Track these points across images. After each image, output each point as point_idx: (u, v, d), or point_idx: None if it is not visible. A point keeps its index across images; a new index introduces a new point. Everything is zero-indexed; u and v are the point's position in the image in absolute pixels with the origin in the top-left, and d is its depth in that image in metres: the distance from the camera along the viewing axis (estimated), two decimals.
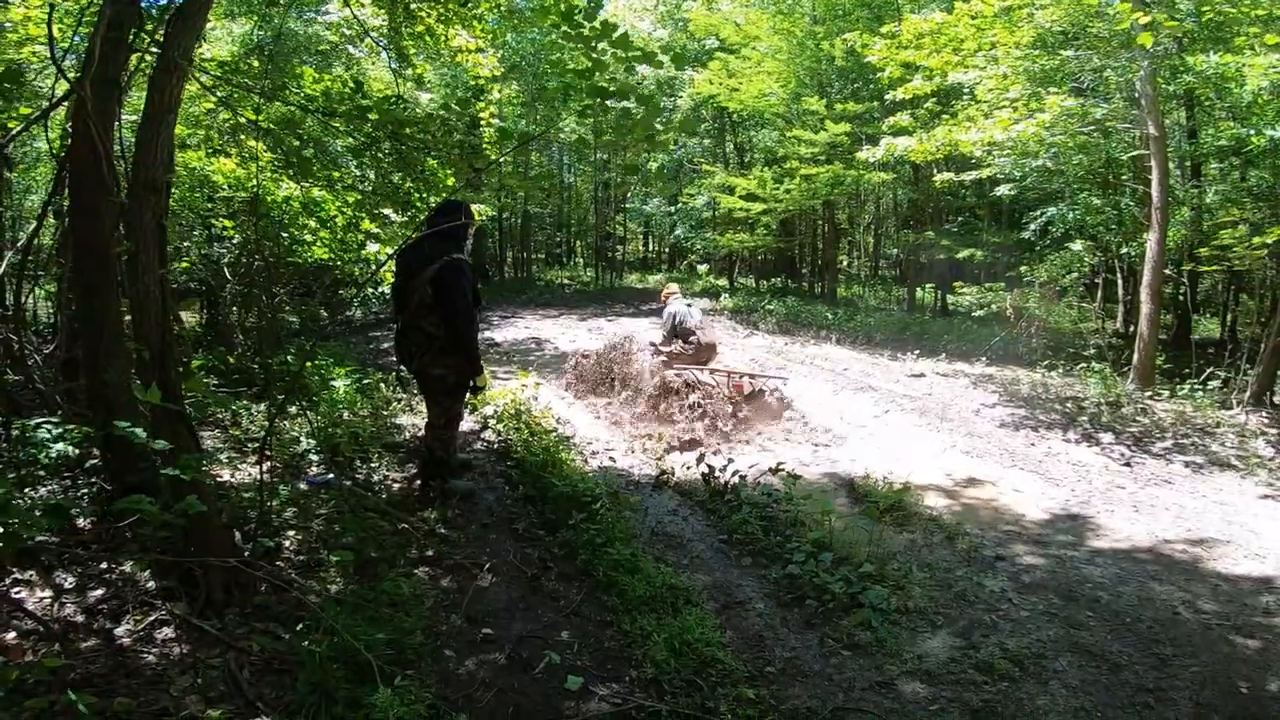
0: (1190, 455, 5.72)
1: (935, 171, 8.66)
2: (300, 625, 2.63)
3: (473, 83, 6.69)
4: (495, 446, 5.30)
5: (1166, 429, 6.30)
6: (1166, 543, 3.97)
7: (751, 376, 6.78)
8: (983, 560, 3.67)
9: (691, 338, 6.81)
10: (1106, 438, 6.19)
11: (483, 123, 5.46)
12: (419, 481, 4.12)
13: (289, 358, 5.68)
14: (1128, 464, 5.57)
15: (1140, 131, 7.37)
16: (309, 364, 5.66)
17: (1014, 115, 6.45)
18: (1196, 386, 7.12)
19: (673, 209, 16.19)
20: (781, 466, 4.38)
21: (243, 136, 5.57)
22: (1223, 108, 7.38)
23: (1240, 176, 8.50)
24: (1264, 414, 6.56)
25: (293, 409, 5.16)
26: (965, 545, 3.81)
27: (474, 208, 5.66)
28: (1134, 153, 8.16)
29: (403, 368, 4.02)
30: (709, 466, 4.46)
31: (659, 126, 3.12)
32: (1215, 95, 6.44)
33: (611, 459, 5.01)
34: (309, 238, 6.03)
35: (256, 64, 4.83)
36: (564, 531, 3.69)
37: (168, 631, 2.49)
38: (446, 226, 3.64)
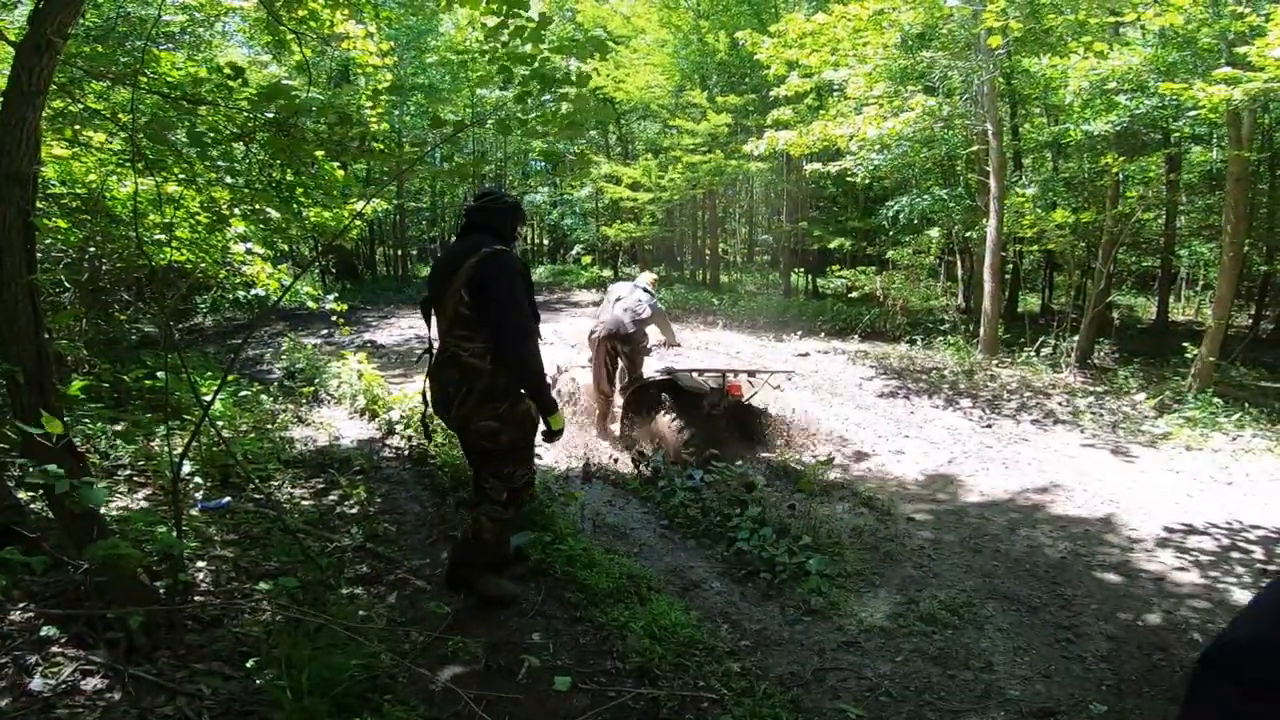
0: (1033, 414, 6.59)
1: (806, 162, 9.26)
2: (250, 661, 2.39)
3: (361, 73, 6.20)
4: (406, 453, 5.04)
5: (1012, 392, 7.22)
6: (1038, 492, 4.57)
7: (747, 373, 5.88)
8: (897, 522, 4.04)
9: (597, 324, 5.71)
10: (965, 402, 6.97)
11: (370, 117, 5.09)
12: (448, 564, 3.09)
13: (158, 373, 5.04)
14: (989, 425, 6.31)
15: (979, 127, 8.32)
16: (177, 378, 5.08)
17: (881, 111, 7.05)
18: (1031, 355, 8.20)
19: (555, 201, 16.04)
20: (711, 451, 4.53)
21: (78, 126, 4.84)
22: (1041, 106, 8.49)
23: (1054, 169, 9.85)
24: (1086, 375, 7.68)
25: (160, 429, 4.65)
26: (879, 509, 4.18)
27: (374, 203, 5.28)
28: (972, 147, 9.18)
29: (430, 414, 3.00)
30: (639, 453, 4.52)
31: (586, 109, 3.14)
32: (1044, 93, 7.40)
33: (538, 456, 4.93)
34: (161, 236, 5.36)
35: (102, 49, 4.19)
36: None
37: (95, 681, 2.18)
38: (484, 220, 2.81)
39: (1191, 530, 3.95)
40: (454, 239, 3.03)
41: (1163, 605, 3.12)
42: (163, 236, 5.44)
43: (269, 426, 5.43)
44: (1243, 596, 3.18)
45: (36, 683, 2.16)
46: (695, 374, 5.21)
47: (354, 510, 4.02)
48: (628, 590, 3.06)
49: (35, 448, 2.44)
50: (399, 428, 5.33)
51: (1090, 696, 2.46)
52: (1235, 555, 3.63)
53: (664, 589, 3.15)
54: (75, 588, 2.59)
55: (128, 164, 4.99)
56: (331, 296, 6.30)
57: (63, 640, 2.39)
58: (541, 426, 2.81)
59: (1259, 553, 3.66)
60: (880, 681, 2.49)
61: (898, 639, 2.78)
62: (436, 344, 2.78)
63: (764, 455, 5.27)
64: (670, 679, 2.45)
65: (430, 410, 2.97)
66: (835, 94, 8.44)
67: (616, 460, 4.80)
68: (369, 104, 5.19)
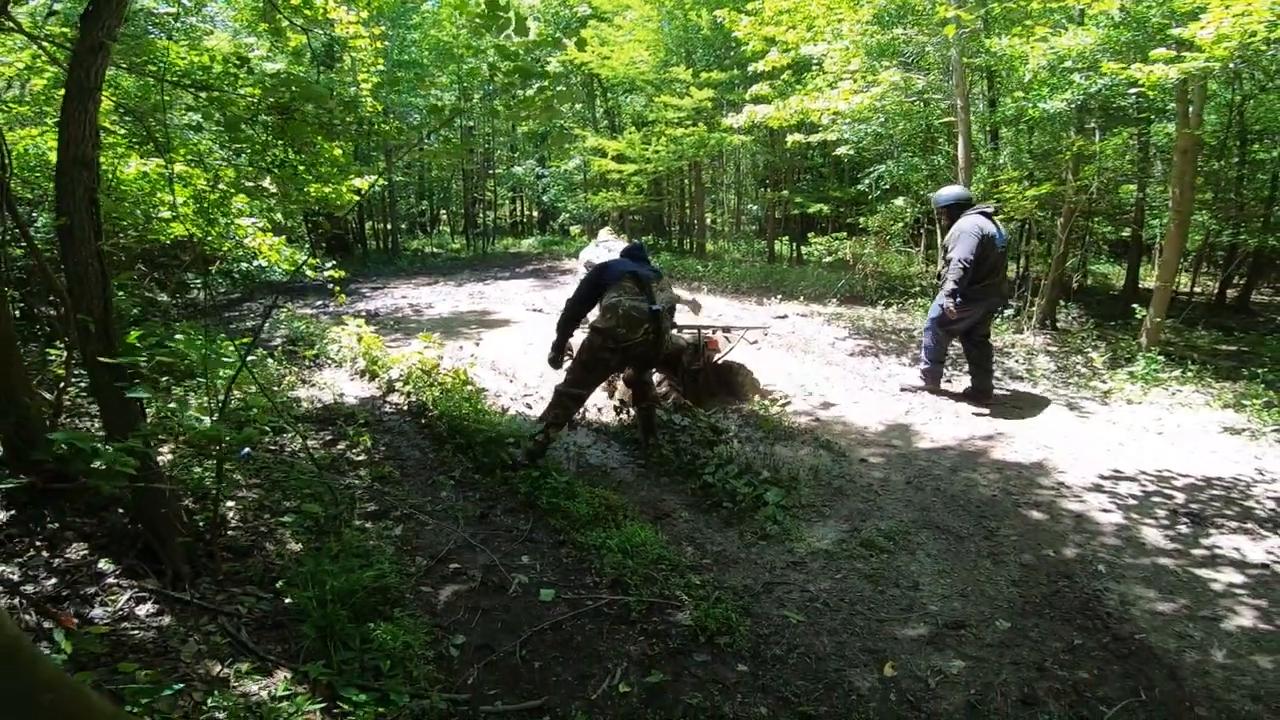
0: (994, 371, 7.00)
1: (788, 134, 9.54)
2: (280, 582, 2.81)
3: (352, 52, 6.45)
4: (406, 408, 5.43)
5: None
6: (984, 439, 5.00)
7: (724, 330, 6.38)
8: (850, 463, 4.49)
9: None
10: None
11: (364, 97, 5.37)
12: (646, 437, 4.67)
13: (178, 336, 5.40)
14: (948, 381, 6.74)
15: (950, 101, 8.61)
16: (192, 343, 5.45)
17: (854, 86, 7.34)
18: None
19: (543, 173, 16.27)
20: (684, 401, 4.96)
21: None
22: (1015, 81, 8.77)
23: (1021, 143, 10.16)
24: (1048, 336, 8.12)
25: (178, 390, 5.04)
26: (836, 451, 4.62)
27: (366, 179, 5.62)
28: (946, 119, 9.47)
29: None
30: (620, 401, 4.94)
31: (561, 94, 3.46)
32: (1007, 72, 7.70)
33: (528, 406, 5.35)
34: (166, 214, 5.68)
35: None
36: (501, 470, 4.03)
37: (149, 607, 2.56)
38: (644, 254, 4.88)
39: (1120, 476, 4.27)
40: (627, 257, 4.68)
41: (1077, 540, 3.47)
42: (168, 214, 5.77)
43: (276, 388, 5.81)
44: (1154, 535, 3.51)
45: (97, 611, 2.51)
46: (675, 330, 5.63)
47: (360, 457, 4.43)
48: (605, 517, 3.50)
49: (102, 390, 2.84)
50: (399, 385, 5.71)
51: (997, 614, 2.84)
52: (1157, 499, 3.94)
53: (638, 517, 3.60)
54: (124, 527, 3.00)
55: (133, 146, 5.30)
56: (329, 265, 6.63)
57: (117, 573, 2.78)
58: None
59: (1180, 498, 3.96)
60: (820, 594, 2.94)
61: (839, 561, 3.23)
62: (651, 302, 4.29)
63: (740, 407, 5.70)
64: (640, 588, 2.89)
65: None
66: (815, 68, 8.71)
67: (600, 410, 5.21)
68: (367, 90, 5.49)
